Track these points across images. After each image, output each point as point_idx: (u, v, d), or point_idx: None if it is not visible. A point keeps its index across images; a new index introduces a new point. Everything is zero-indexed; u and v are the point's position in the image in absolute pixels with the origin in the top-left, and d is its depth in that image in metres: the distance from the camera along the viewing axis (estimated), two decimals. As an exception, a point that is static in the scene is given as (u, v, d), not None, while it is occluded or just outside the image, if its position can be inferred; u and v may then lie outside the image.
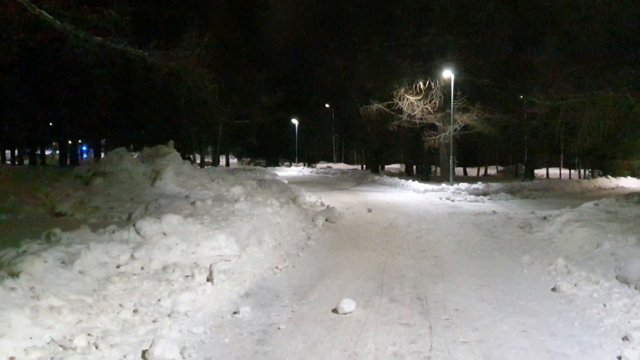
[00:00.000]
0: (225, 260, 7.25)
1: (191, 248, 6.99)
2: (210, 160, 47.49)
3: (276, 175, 28.85)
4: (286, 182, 21.34)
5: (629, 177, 30.27)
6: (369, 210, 14.96)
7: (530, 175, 32.52)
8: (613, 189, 26.26)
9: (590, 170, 39.11)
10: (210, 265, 6.37)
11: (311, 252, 8.91)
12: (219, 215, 8.88)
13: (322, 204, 15.97)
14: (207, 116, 25.06)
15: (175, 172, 12.35)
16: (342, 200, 18.59)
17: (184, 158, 32.24)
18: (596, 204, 12.66)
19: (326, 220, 12.41)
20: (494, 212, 14.41)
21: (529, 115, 25.83)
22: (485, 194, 19.83)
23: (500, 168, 50.90)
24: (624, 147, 30.28)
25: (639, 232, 8.44)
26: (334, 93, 41.30)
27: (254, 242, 8.09)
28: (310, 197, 17.17)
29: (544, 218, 12.11)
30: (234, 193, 12.00)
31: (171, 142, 14.40)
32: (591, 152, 34.73)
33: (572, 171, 44.80)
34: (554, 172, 43.61)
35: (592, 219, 10.11)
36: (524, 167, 43.63)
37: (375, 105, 25.61)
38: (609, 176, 29.03)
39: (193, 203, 9.56)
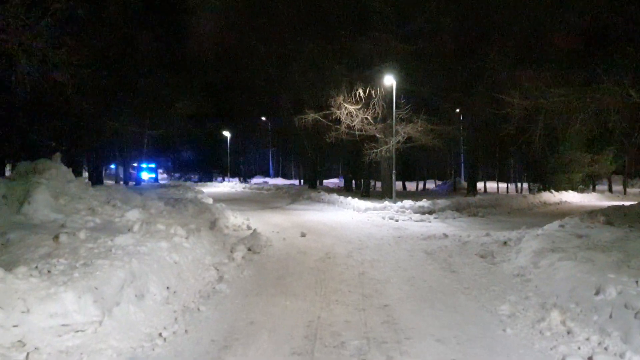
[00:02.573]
0: (77, 331, 4.80)
1: (14, 318, 4.46)
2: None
3: (201, 192, 26.02)
4: (211, 201, 18.77)
5: (570, 192, 29.74)
6: (303, 235, 12.77)
7: (473, 190, 31.43)
8: (558, 204, 25.36)
9: (528, 183, 38.78)
10: (27, 355, 3.89)
11: (218, 302, 6.54)
12: (88, 255, 6.34)
13: (249, 227, 13.76)
14: (94, 119, 20.79)
15: (52, 194, 9.62)
16: (273, 221, 16.31)
17: (94, 174, 28.04)
18: (562, 226, 11.16)
19: (249, 250, 10.13)
20: (445, 236, 12.58)
21: (491, 123, 24.44)
22: (431, 212, 18.06)
23: (439, 182, 50.15)
24: (565, 161, 29.98)
25: (637, 266, 6.69)
26: (268, 103, 39.04)
27: (129, 297, 5.63)
28: (236, 219, 14.89)
29: (505, 243, 10.60)
30: (129, 219, 9.48)
31: (57, 155, 11.52)
32: (532, 166, 34.30)
33: (509, 185, 44.59)
34: (491, 185, 43.22)
35: (567, 247, 8.39)
36: (461, 181, 42.91)
37: (311, 115, 23.50)
38: (552, 191, 28.26)
39: (57, 237, 6.94)
